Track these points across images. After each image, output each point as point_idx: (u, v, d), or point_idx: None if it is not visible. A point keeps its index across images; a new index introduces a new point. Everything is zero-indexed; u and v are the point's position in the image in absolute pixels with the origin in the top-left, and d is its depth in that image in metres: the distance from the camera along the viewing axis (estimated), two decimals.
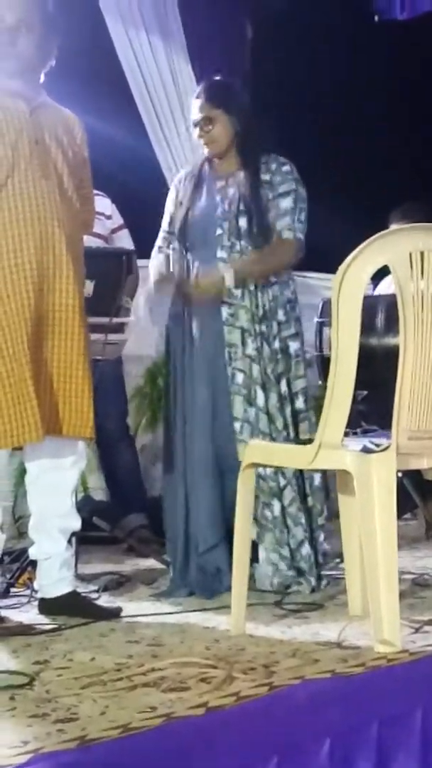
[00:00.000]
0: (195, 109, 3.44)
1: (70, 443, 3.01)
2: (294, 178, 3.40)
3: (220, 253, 3.35)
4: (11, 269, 2.87)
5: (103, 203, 4.23)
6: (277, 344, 3.36)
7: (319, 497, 3.40)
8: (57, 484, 3.03)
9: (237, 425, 3.31)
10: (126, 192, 4.48)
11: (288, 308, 3.41)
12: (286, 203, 3.36)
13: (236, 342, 3.33)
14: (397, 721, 2.10)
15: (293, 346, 3.40)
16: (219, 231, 3.36)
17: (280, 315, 3.39)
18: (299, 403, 3.40)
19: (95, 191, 3.43)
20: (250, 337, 3.33)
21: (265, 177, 3.38)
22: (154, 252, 3.57)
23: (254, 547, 3.24)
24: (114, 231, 4.37)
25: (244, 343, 3.32)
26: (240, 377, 3.32)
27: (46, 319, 2.91)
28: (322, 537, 3.41)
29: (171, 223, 3.51)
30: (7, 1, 2.94)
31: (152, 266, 3.55)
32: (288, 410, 3.36)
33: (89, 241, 3.53)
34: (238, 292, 3.33)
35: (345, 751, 2.00)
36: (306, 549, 3.32)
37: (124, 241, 4.37)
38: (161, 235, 3.56)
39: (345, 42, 6.54)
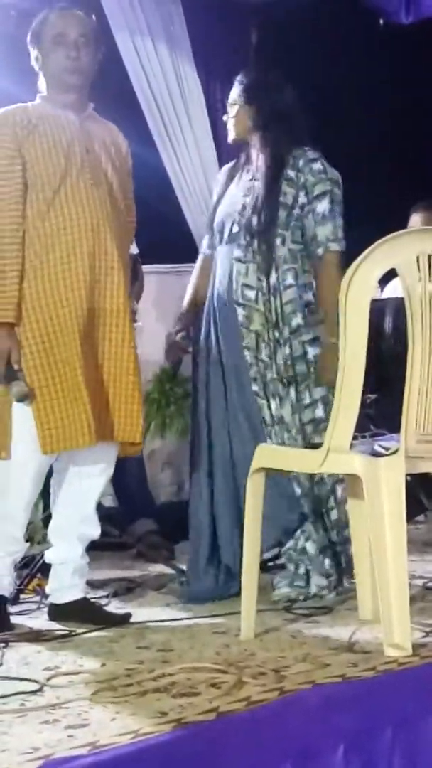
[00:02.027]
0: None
1: (106, 450, 3.01)
2: (328, 178, 3.27)
3: (237, 252, 3.28)
4: (64, 274, 2.90)
5: None
6: (289, 350, 3.26)
7: (343, 509, 3.25)
8: (85, 490, 3.04)
9: (266, 429, 3.25)
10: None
11: (307, 312, 3.28)
12: (323, 207, 3.24)
13: (252, 346, 3.26)
14: (410, 725, 2.10)
15: (312, 351, 3.27)
16: (236, 228, 3.30)
17: (298, 319, 3.27)
18: (319, 412, 3.26)
19: None
20: (263, 342, 3.26)
21: (290, 173, 3.27)
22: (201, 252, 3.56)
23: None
24: None
25: (258, 348, 3.26)
26: (256, 384, 3.27)
27: (97, 324, 2.94)
28: (351, 549, 3.21)
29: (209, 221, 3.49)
30: (67, 17, 3.01)
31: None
32: (302, 418, 3.26)
33: None
34: (251, 294, 3.26)
35: (359, 757, 1.99)
36: (325, 560, 3.27)
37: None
38: (207, 232, 3.53)
39: (350, 47, 6.54)
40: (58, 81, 3.01)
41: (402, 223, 4.73)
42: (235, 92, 3.42)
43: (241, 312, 3.27)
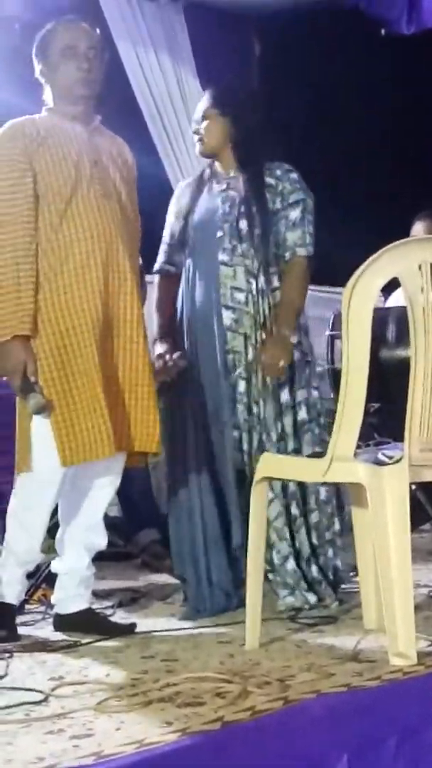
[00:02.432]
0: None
1: (117, 461, 3.01)
2: (302, 188, 3.35)
3: (222, 256, 3.30)
4: (79, 285, 2.91)
5: None
6: None
7: (325, 511, 3.33)
8: (94, 501, 3.04)
9: (236, 434, 3.26)
10: None
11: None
12: (295, 214, 3.32)
13: (240, 349, 3.28)
14: (414, 734, 2.09)
15: (296, 354, 3.31)
16: (219, 233, 3.32)
17: None
18: (302, 414, 3.31)
19: None
20: (250, 344, 3.28)
21: (270, 180, 3.33)
22: (156, 271, 3.55)
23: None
24: None
25: (246, 350, 3.27)
26: (242, 385, 3.28)
27: (111, 335, 2.96)
28: (331, 552, 3.33)
29: (172, 235, 3.49)
30: (76, 30, 3.02)
31: (155, 290, 3.55)
32: (286, 421, 3.29)
33: None
34: (241, 296, 3.28)
35: (364, 766, 1.99)
36: (292, 564, 3.25)
37: None
38: (162, 248, 3.53)
39: (352, 57, 6.57)
40: (68, 93, 3.02)
41: (401, 221, 4.74)
42: (207, 104, 3.41)
43: (229, 315, 3.29)
